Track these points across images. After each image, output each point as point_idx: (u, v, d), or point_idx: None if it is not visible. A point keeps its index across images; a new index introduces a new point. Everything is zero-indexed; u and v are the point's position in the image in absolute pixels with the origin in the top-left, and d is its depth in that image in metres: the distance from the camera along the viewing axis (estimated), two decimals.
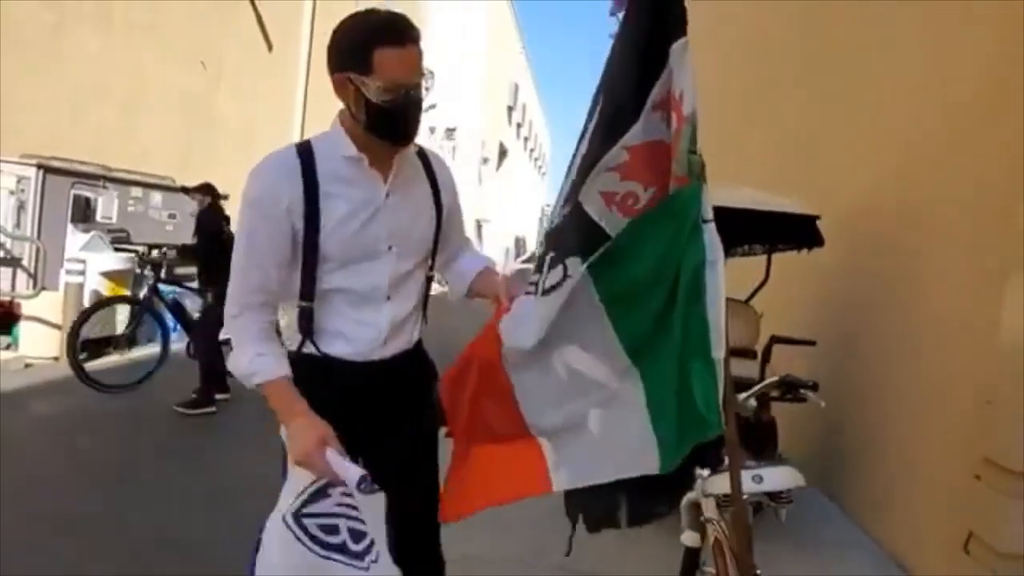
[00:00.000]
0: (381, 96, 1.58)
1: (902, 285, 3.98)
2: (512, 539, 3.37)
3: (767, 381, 2.22)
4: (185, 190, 6.80)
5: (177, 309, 6.56)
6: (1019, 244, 2.95)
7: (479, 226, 32.07)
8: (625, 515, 2.13)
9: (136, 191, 8.66)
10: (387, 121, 1.63)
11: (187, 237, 9.23)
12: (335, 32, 1.66)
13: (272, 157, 1.70)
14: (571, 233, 1.68)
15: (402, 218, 1.74)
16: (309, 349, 1.74)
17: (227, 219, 6.43)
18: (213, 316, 5.67)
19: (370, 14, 1.63)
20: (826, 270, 4.87)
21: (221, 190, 6.99)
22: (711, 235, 1.52)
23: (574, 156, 1.73)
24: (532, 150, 50.34)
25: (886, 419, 3.99)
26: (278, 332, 1.75)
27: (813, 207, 4.10)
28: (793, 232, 4.15)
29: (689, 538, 2.32)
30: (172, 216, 8.79)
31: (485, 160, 33.78)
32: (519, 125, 41.73)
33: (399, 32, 1.58)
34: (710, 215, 1.52)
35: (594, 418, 1.71)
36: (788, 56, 6.45)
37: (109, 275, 7.48)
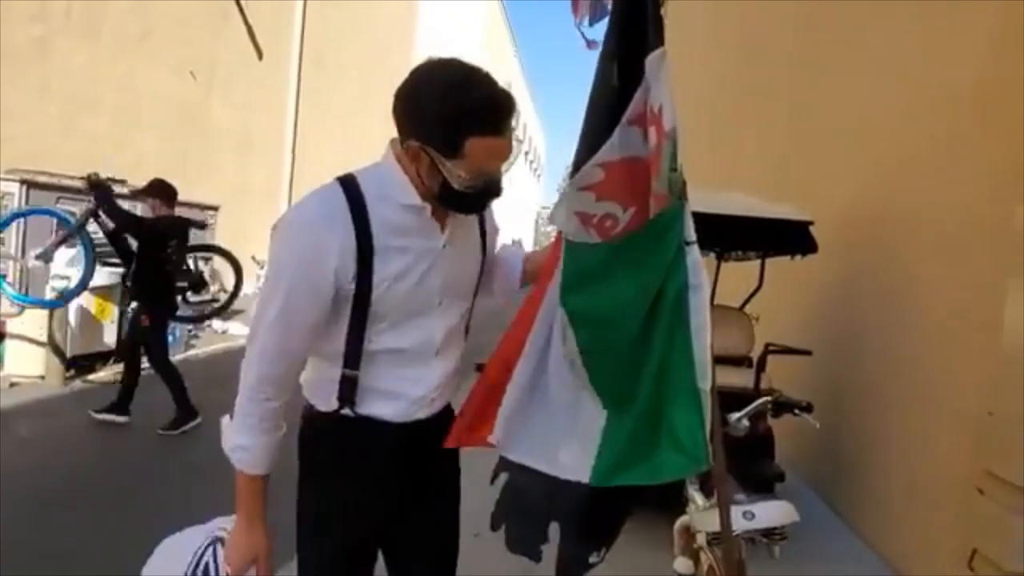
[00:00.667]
0: (463, 183, 1.39)
1: (900, 292, 3.89)
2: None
3: (759, 401, 2.13)
4: (135, 194, 6.13)
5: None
6: (1019, 250, 2.86)
7: None
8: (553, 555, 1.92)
9: (125, 203, 8.56)
10: (461, 202, 1.45)
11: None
12: (416, 87, 1.39)
13: (315, 201, 1.44)
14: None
15: (455, 269, 1.56)
16: (346, 411, 1.55)
17: (184, 232, 5.83)
18: (155, 339, 5.45)
19: (468, 83, 1.36)
20: (821, 277, 4.78)
21: (217, 199, 6.85)
22: (694, 257, 1.44)
23: None
24: (527, 152, 50.27)
25: (887, 429, 3.90)
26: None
27: (806, 212, 4.02)
28: (787, 238, 4.07)
29: (682, 565, 2.24)
30: None
31: None
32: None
33: (500, 120, 1.38)
34: (693, 236, 1.43)
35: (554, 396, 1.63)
36: (781, 60, 6.38)
37: (96, 291, 7.38)
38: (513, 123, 1.45)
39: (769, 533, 1.77)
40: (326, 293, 1.42)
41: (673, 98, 1.39)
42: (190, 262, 6.84)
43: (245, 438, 1.48)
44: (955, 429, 3.25)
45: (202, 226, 7.46)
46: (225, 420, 1.53)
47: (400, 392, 1.55)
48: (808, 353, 3.95)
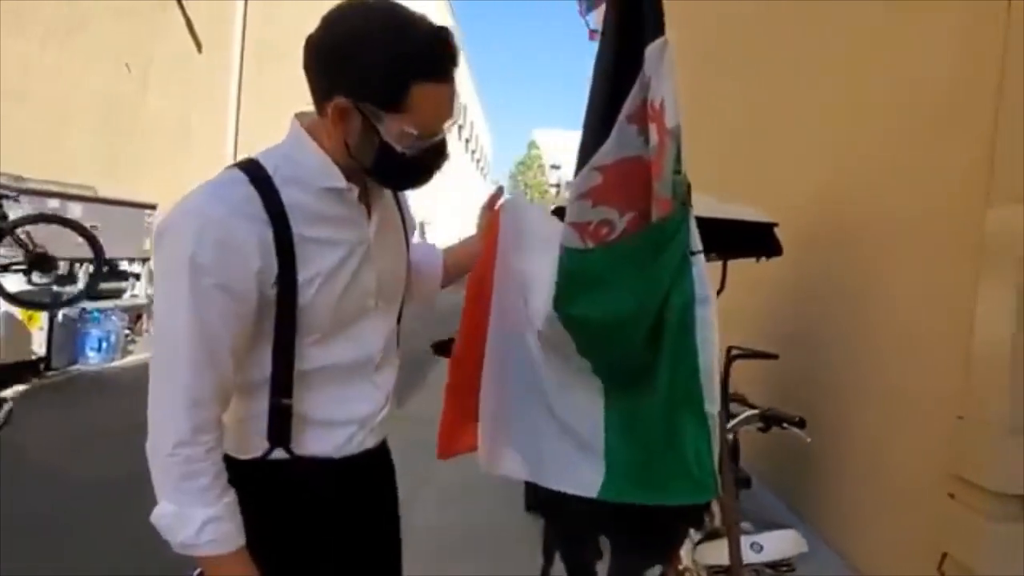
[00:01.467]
0: (409, 143, 1.18)
1: (866, 296, 3.88)
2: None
3: (747, 414, 2.03)
4: None
5: None
6: (988, 254, 2.85)
7: (422, 228, 31.80)
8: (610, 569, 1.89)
9: (53, 203, 8.07)
10: (403, 171, 1.23)
11: (111, 250, 8.72)
12: (343, 33, 1.16)
13: (215, 190, 1.18)
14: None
15: (387, 265, 1.36)
16: (278, 454, 1.28)
17: None
18: None
19: (409, 23, 1.14)
20: (785, 279, 4.76)
21: (152, 199, 6.42)
22: (700, 268, 1.32)
23: None
24: (473, 151, 50.15)
25: (854, 434, 3.88)
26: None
27: (770, 214, 3.97)
28: (750, 240, 4.01)
29: None
30: (94, 228, 8.22)
31: None
32: (460, 127, 41.51)
33: (448, 62, 1.17)
34: (699, 245, 1.31)
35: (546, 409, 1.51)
36: (743, 61, 6.37)
37: None
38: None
39: (776, 564, 1.68)
40: (251, 301, 1.16)
41: (676, 93, 1.27)
42: (23, 236, 5.94)
43: (209, 508, 1.16)
44: (924, 434, 3.24)
45: (15, 196, 6.55)
46: (161, 511, 1.17)
47: (340, 419, 1.31)
48: (774, 357, 3.90)
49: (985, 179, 2.91)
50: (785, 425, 1.97)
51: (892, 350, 3.59)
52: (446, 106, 1.20)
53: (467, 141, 45.80)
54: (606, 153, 1.32)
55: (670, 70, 1.25)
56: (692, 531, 1.81)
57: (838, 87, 4.41)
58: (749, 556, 1.62)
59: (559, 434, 1.47)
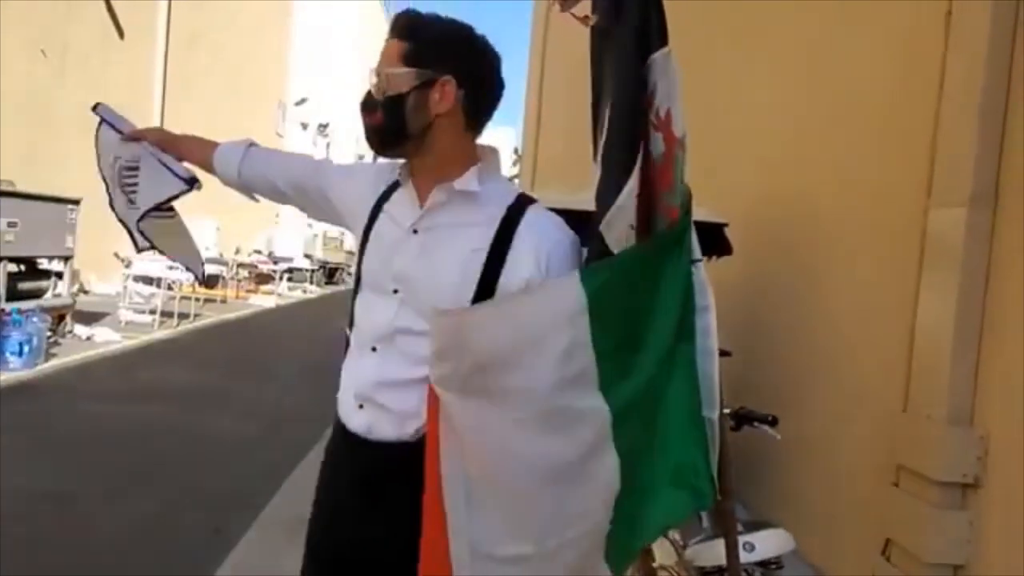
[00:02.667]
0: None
1: (813, 293, 4.03)
2: None
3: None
4: None
5: None
6: (929, 250, 3.00)
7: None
8: None
9: None
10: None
11: (31, 248, 8.24)
12: None
13: (386, 165, 1.60)
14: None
15: (421, 266, 1.41)
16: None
17: None
18: None
19: None
20: (735, 279, 4.89)
21: (72, 193, 6.12)
22: (700, 277, 1.34)
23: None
24: None
25: (802, 428, 4.02)
26: None
27: (720, 214, 4.08)
28: (701, 240, 4.10)
29: None
30: (12, 224, 7.75)
31: (360, 156, 32.99)
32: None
33: (391, 27, 1.46)
34: (699, 254, 1.33)
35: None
36: (692, 63, 6.47)
37: None
38: (401, 44, 1.43)
39: (766, 563, 1.73)
40: (351, 184, 1.59)
41: (681, 103, 1.28)
42: None
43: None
44: (869, 426, 3.39)
45: None
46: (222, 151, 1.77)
47: (343, 378, 1.53)
48: (728, 354, 4.01)
49: (926, 182, 3.05)
50: (756, 424, 2.03)
51: (839, 347, 3.74)
52: (381, 55, 1.45)
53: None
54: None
55: (675, 78, 1.26)
56: (676, 534, 1.85)
57: (787, 94, 4.56)
58: (742, 556, 1.66)
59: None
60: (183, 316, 11.52)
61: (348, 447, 1.50)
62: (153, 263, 12.27)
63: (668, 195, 1.29)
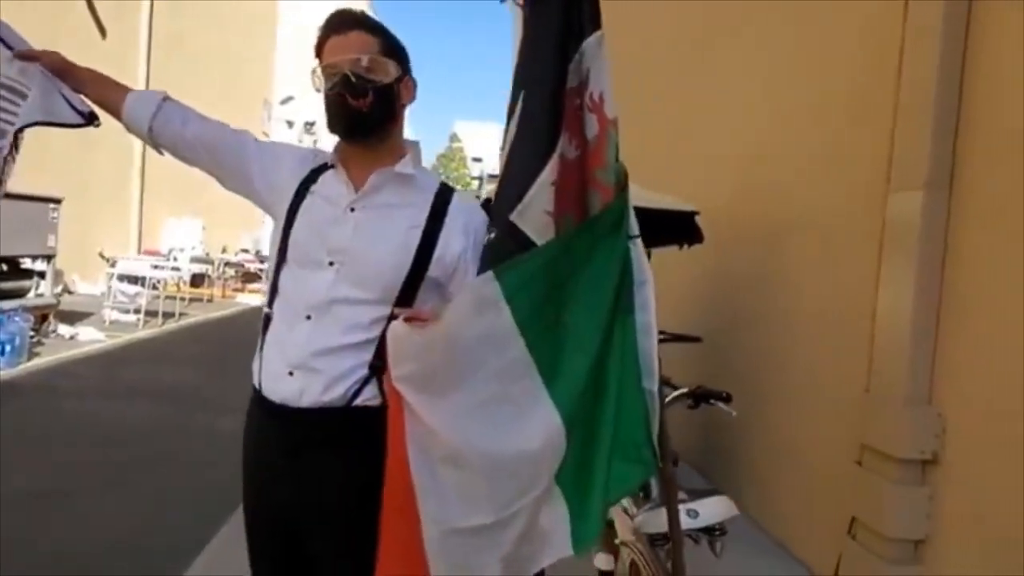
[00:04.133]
0: (323, 85, 1.52)
1: (782, 281, 4.10)
2: None
3: (677, 392, 2.14)
4: None
5: None
6: (890, 241, 3.07)
7: None
8: None
9: None
10: (329, 111, 1.53)
11: (11, 247, 8.22)
12: None
13: (310, 151, 1.72)
14: (498, 258, 1.41)
15: (359, 238, 1.52)
16: (254, 376, 1.60)
17: None
18: None
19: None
20: (709, 268, 4.97)
21: (56, 193, 6.12)
22: (638, 252, 1.39)
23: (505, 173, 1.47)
24: None
25: (771, 411, 4.11)
26: None
27: (690, 203, 4.15)
28: (673, 228, 4.18)
29: (602, 560, 2.22)
30: None
31: None
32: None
33: (343, 20, 1.53)
34: (636, 230, 1.39)
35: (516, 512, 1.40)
36: (665, 61, 6.57)
37: None
38: (372, 36, 1.53)
39: (710, 530, 1.79)
40: (275, 161, 1.65)
41: (612, 85, 1.34)
42: None
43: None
44: (834, 408, 3.47)
45: None
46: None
47: (268, 352, 1.55)
48: (698, 340, 4.08)
49: (887, 170, 3.13)
50: (713, 401, 2.09)
51: (805, 331, 3.82)
52: (341, 48, 1.51)
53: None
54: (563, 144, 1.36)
55: (607, 62, 1.32)
56: (630, 503, 1.90)
57: (757, 90, 4.63)
58: (686, 522, 1.72)
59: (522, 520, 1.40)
60: (168, 315, 11.50)
61: (273, 417, 1.53)
62: (137, 263, 12.26)
63: (601, 172, 1.35)
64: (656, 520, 1.78)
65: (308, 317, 1.50)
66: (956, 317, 2.83)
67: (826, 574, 3.29)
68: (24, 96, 1.66)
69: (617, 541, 2.12)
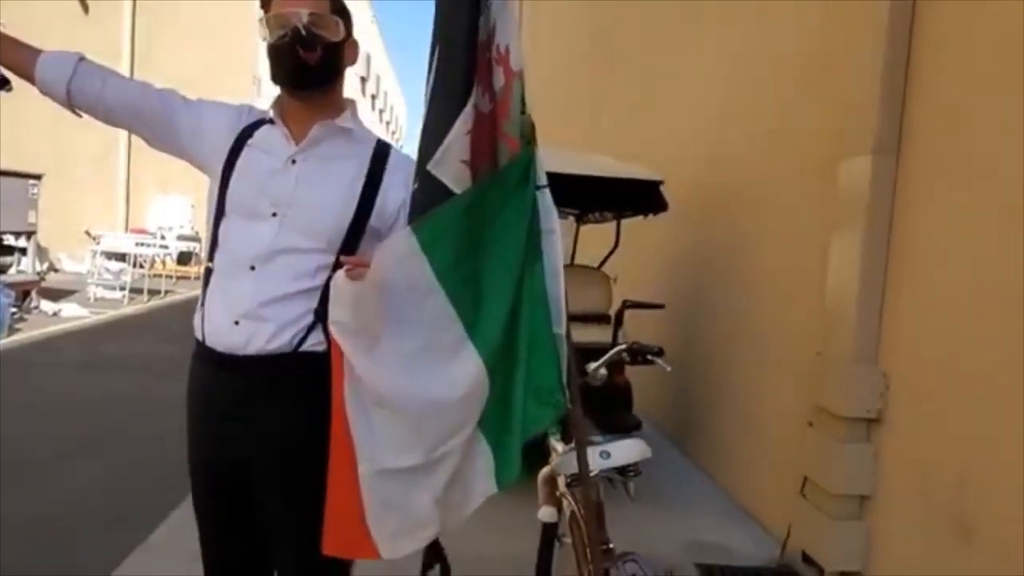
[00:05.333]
0: (270, 34, 1.52)
1: (740, 248, 4.16)
2: None
3: (615, 350, 2.20)
4: None
5: None
6: (841, 206, 3.13)
7: None
8: None
9: None
10: (275, 59, 1.53)
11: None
12: None
13: (244, 106, 1.71)
14: (419, 209, 1.46)
15: (301, 189, 1.56)
16: (196, 329, 1.62)
17: None
18: None
19: None
20: (671, 235, 5.02)
21: (39, 169, 6.13)
22: (546, 202, 1.44)
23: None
24: (388, 122, 49.32)
25: (731, 375, 4.18)
26: None
27: (655, 173, 4.20)
28: (639, 197, 4.23)
29: (546, 513, 2.28)
30: None
31: None
32: (373, 96, 40.69)
33: None
34: (544, 180, 1.43)
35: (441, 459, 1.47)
36: (629, 30, 6.58)
37: None
38: None
39: (624, 470, 1.85)
40: (200, 117, 1.65)
41: (519, 39, 1.38)
42: None
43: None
44: (788, 370, 3.54)
45: None
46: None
47: (211, 304, 1.58)
48: (661, 307, 4.15)
49: (839, 141, 3.17)
50: (649, 357, 2.14)
51: (762, 297, 3.89)
52: (291, 1, 1.50)
53: (381, 111, 45.08)
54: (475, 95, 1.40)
55: (513, 16, 1.36)
56: (559, 447, 1.97)
57: (716, 61, 4.67)
58: (598, 463, 1.79)
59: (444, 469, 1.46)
60: (154, 292, 11.53)
61: (218, 367, 1.56)
62: (122, 239, 12.25)
63: (508, 125, 1.39)
64: (569, 462, 1.85)
65: (252, 268, 1.53)
66: (902, 279, 2.89)
67: (781, 535, 3.38)
68: None
69: (558, 493, 2.18)
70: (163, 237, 13.94)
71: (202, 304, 1.61)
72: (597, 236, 5.19)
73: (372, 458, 1.46)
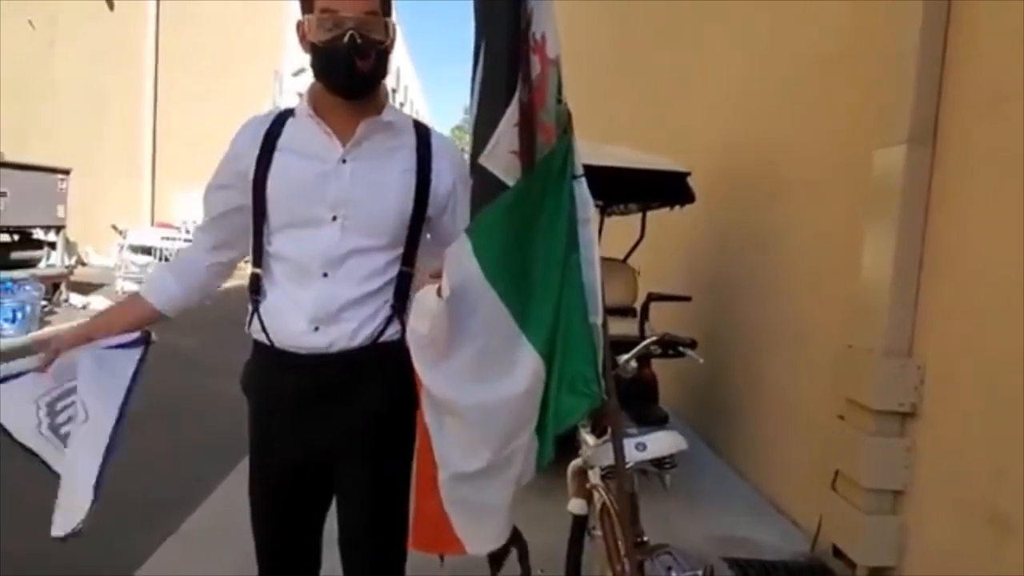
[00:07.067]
0: (319, 34, 1.45)
1: (769, 239, 4.11)
2: None
3: (646, 341, 2.18)
4: None
5: None
6: (874, 196, 3.07)
7: None
8: None
9: None
10: (326, 64, 1.48)
11: (21, 218, 8.34)
12: None
13: (250, 120, 1.64)
14: (477, 202, 1.45)
15: (358, 189, 1.53)
16: (258, 334, 1.60)
17: None
18: None
19: None
20: (698, 227, 4.98)
21: (66, 164, 6.20)
22: (583, 192, 1.42)
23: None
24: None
25: (759, 368, 4.14)
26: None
27: (682, 164, 4.16)
28: (665, 189, 4.20)
29: (576, 506, 2.26)
30: (2, 195, 7.85)
31: None
32: (402, 105, 41.00)
33: None
34: (580, 170, 1.42)
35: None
36: (651, 21, 6.51)
37: None
38: None
39: (659, 463, 1.84)
40: (239, 187, 1.58)
41: (556, 26, 1.36)
42: None
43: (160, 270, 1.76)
44: (819, 363, 3.50)
45: None
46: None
47: (282, 310, 1.56)
48: (687, 299, 4.12)
49: (872, 128, 3.11)
50: (681, 349, 2.12)
51: (791, 289, 3.84)
52: (343, 3, 1.44)
53: (402, 105, 45.39)
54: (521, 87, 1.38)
55: (550, 4, 1.34)
56: (590, 440, 1.95)
57: (743, 46, 4.61)
58: (634, 455, 1.77)
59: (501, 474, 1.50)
60: None
61: (294, 368, 1.56)
62: (148, 233, 12.41)
63: (544, 113, 1.37)
64: (603, 453, 1.83)
65: (325, 275, 1.53)
66: (938, 271, 2.84)
67: (811, 529, 3.34)
68: (69, 393, 1.57)
69: (588, 486, 2.17)
70: (187, 231, 14.08)
71: (256, 311, 1.59)
72: (621, 228, 5.16)
73: (445, 463, 1.52)
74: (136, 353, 1.63)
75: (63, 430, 1.56)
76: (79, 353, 1.55)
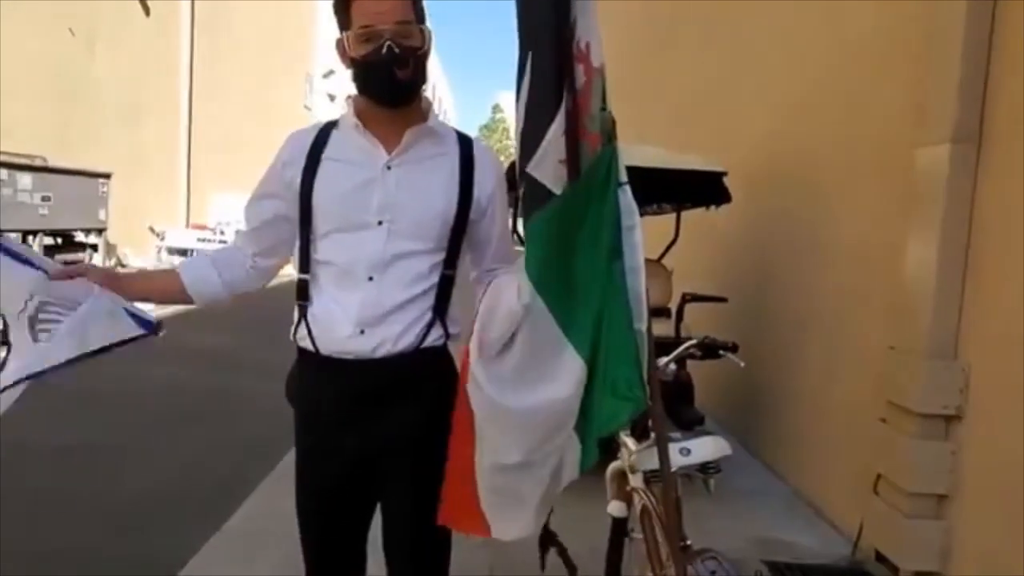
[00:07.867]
0: (357, 49, 1.50)
1: (806, 239, 4.07)
2: None
3: (687, 344, 2.18)
4: None
5: None
6: (917, 196, 3.02)
7: None
8: None
9: (1, 173, 7.88)
10: (367, 77, 1.53)
11: (65, 221, 8.57)
12: None
13: (296, 132, 1.68)
14: (527, 211, 1.46)
15: (403, 194, 1.57)
16: (303, 341, 1.63)
17: None
18: None
19: None
20: (734, 226, 4.93)
21: (105, 168, 6.38)
22: (627, 199, 1.43)
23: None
24: (437, 116, 49.80)
25: (797, 370, 4.10)
26: None
27: (718, 164, 4.12)
28: (701, 189, 4.17)
29: (616, 508, 2.27)
30: (46, 199, 8.07)
31: None
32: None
33: None
34: (625, 177, 1.42)
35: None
36: (685, 16, 6.46)
37: None
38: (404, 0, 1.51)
39: (704, 468, 1.84)
40: (285, 197, 1.61)
41: (600, 34, 1.36)
42: None
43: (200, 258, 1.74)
44: (860, 365, 3.45)
45: None
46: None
47: (329, 314, 1.58)
48: (723, 300, 4.08)
49: (913, 124, 3.06)
50: (722, 352, 2.12)
51: (830, 289, 3.79)
52: (380, 11, 1.48)
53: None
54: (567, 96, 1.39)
55: (593, 11, 1.34)
56: (631, 444, 1.96)
57: (782, 45, 4.55)
58: (678, 460, 1.77)
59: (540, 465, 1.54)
60: None
61: (341, 373, 1.59)
62: (184, 235, 12.65)
63: (589, 120, 1.38)
64: (650, 458, 1.84)
65: (370, 278, 1.56)
66: (982, 271, 2.78)
67: (851, 533, 3.30)
68: (55, 307, 1.55)
69: (628, 488, 2.17)
70: (222, 232, 14.34)
71: (303, 316, 1.62)
72: (655, 227, 5.14)
73: (483, 450, 1.56)
74: (136, 332, 1.60)
75: (38, 327, 1.56)
76: (93, 293, 1.55)
